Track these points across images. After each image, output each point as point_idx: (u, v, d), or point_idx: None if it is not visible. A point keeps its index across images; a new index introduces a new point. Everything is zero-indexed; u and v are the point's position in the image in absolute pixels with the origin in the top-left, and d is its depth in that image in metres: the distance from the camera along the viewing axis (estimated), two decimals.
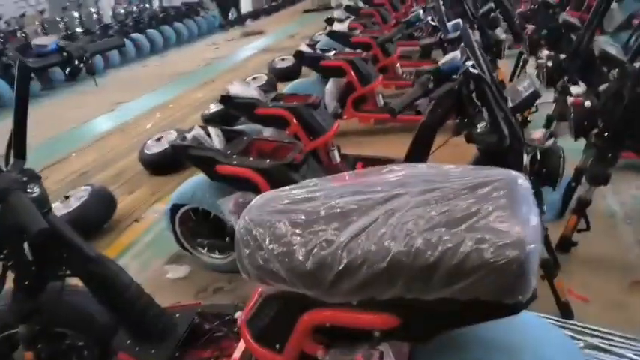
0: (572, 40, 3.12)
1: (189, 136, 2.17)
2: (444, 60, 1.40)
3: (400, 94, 4.63)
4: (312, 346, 1.15)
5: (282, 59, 6.14)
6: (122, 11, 10.98)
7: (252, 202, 1.21)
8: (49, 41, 1.38)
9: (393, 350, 1.09)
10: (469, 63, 1.40)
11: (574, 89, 2.01)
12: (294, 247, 1.03)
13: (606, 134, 1.99)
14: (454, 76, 1.40)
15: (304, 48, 3.76)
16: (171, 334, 1.63)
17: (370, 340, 1.08)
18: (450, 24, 2.03)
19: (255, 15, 13.53)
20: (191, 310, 1.73)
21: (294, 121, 2.75)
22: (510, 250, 0.84)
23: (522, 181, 1.00)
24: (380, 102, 3.86)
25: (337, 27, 4.39)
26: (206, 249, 2.46)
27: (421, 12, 2.87)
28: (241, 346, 1.58)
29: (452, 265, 0.87)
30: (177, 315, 1.70)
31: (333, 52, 3.83)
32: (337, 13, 5.53)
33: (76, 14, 10.17)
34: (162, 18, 11.00)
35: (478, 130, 1.68)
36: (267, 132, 2.82)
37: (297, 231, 1.05)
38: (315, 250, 1.00)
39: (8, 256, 1.45)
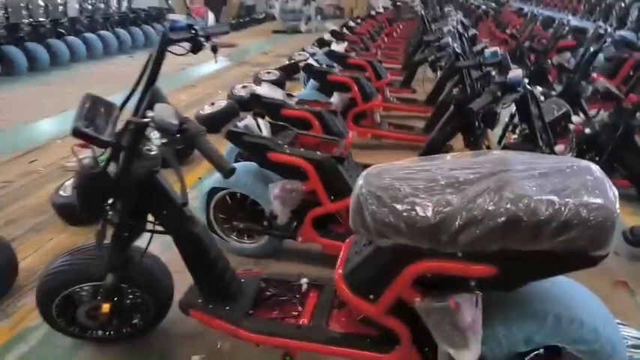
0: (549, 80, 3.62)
1: (241, 124, 2.34)
2: (511, 75, 1.72)
3: (389, 115, 5.00)
4: (410, 293, 1.37)
5: (268, 72, 6.37)
6: (89, 6, 10.76)
7: (365, 172, 1.42)
8: (181, 18, 1.55)
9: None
10: (526, 80, 1.73)
11: (575, 119, 2.42)
12: (418, 206, 1.26)
13: (599, 159, 2.39)
14: (518, 89, 1.72)
15: (312, 62, 4.03)
16: (242, 295, 1.78)
17: (462, 289, 1.32)
18: (488, 51, 2.39)
19: None
20: (256, 277, 1.88)
21: (318, 124, 2.99)
22: (604, 211, 1.12)
23: (594, 167, 1.29)
24: (377, 119, 4.18)
25: (335, 48, 4.70)
26: (235, 233, 2.60)
27: (449, 39, 3.26)
28: (308, 307, 1.76)
29: (560, 221, 1.14)
30: (245, 280, 1.85)
31: (338, 68, 4.13)
32: (327, 36, 5.90)
33: (41, 2, 9.88)
34: (132, 19, 10.94)
35: (511, 140, 2.00)
36: None
37: (419, 193, 1.28)
38: (438, 208, 1.24)
39: (114, 208, 1.57)
